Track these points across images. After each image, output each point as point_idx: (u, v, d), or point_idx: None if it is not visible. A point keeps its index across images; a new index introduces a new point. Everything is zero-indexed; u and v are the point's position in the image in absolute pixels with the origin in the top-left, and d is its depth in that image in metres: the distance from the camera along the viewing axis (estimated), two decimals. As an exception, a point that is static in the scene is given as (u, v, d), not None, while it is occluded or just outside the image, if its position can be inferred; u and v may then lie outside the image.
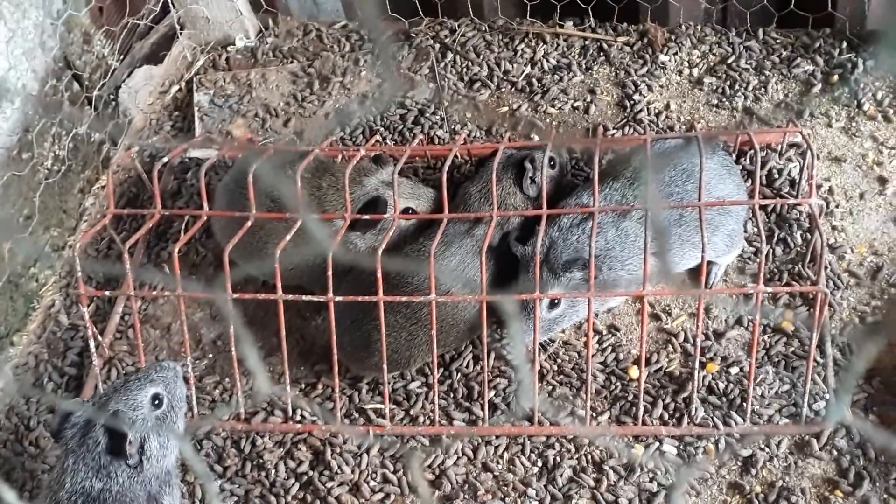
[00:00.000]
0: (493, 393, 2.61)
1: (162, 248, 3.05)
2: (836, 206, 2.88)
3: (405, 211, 2.72)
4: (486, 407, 2.55)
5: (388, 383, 2.60)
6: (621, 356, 2.67)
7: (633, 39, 3.40)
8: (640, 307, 2.66)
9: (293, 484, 2.51)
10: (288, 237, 2.45)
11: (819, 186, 2.92)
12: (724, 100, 3.18)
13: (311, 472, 2.52)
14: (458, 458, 2.52)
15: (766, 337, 2.64)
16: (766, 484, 2.40)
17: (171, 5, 3.62)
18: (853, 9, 3.20)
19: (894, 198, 2.89)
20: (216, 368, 2.78)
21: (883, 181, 2.92)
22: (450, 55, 3.45)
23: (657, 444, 2.49)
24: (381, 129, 3.26)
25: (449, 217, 2.59)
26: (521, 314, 2.51)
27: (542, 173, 2.66)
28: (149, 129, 3.45)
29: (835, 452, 2.43)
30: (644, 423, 2.51)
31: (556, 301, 2.51)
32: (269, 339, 2.79)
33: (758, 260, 2.74)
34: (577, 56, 3.39)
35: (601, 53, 3.38)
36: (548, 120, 3.23)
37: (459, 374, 2.67)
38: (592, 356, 2.61)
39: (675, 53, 3.33)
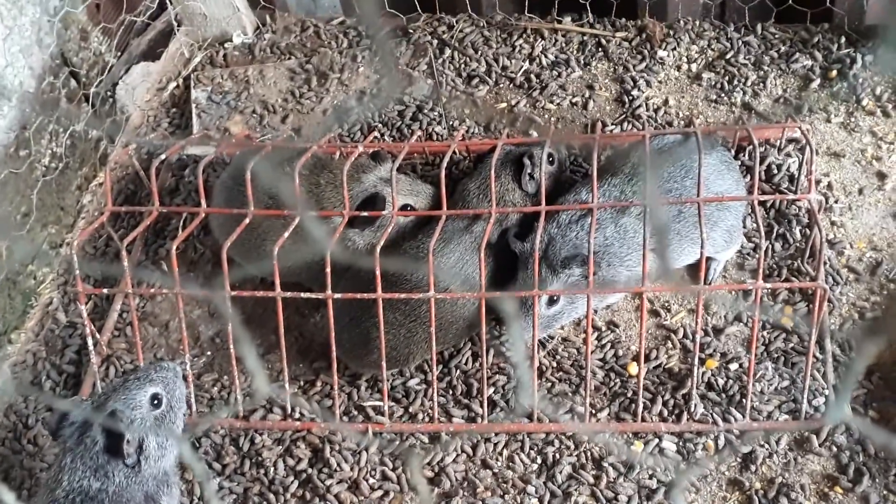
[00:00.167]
0: (492, 390, 2.61)
1: (160, 245, 3.05)
2: (836, 202, 2.87)
3: (403, 208, 2.71)
4: (486, 404, 2.54)
5: (387, 380, 2.60)
6: (620, 353, 2.67)
7: (632, 35, 3.39)
8: (639, 303, 2.66)
9: (292, 482, 2.51)
10: (286, 234, 2.44)
11: (818, 182, 2.91)
12: (723, 95, 3.17)
13: (310, 470, 2.52)
14: (458, 455, 2.51)
15: (765, 333, 2.64)
16: (765, 480, 2.40)
17: (168, 2, 3.61)
18: (851, 4, 3.20)
19: (893, 193, 2.88)
20: (215, 366, 2.78)
21: (882, 176, 2.92)
22: (448, 51, 3.44)
23: (657, 440, 2.49)
24: (380, 125, 3.25)
25: (447, 214, 2.59)
26: (520, 311, 2.51)
27: (541, 170, 2.65)
28: (146, 126, 3.45)
29: (834, 448, 2.42)
30: (643, 420, 2.51)
31: (555, 298, 2.51)
32: (268, 336, 2.79)
33: (757, 256, 2.74)
34: (575, 52, 3.38)
35: (599, 49, 3.37)
36: (546, 116, 3.23)
37: (458, 372, 2.67)
38: (591, 353, 2.61)
39: (674, 49, 3.32)
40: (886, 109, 3.04)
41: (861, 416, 2.45)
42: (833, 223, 2.84)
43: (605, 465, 2.45)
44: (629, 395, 2.57)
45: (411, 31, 3.53)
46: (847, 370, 2.51)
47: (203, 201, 2.63)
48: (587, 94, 3.25)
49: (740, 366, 2.59)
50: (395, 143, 3.11)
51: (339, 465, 2.52)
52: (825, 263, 2.70)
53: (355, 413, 2.63)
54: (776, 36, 3.30)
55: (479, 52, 3.43)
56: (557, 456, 2.48)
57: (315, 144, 2.79)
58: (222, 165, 3.12)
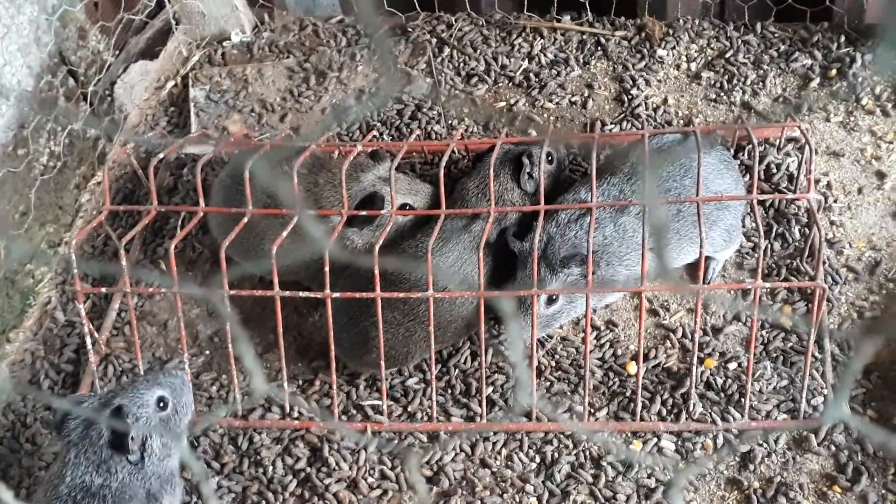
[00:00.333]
0: (490, 389, 2.61)
1: (158, 244, 3.05)
2: (835, 201, 2.87)
3: (402, 207, 2.71)
4: (484, 403, 2.54)
5: (386, 380, 2.60)
6: (619, 352, 2.67)
7: (631, 34, 3.38)
8: (638, 303, 2.66)
9: (291, 480, 2.51)
10: (284, 233, 2.44)
11: (817, 181, 2.91)
12: (722, 94, 3.17)
13: (308, 469, 2.52)
14: (456, 454, 2.51)
15: (764, 332, 2.64)
16: (764, 479, 2.40)
17: (166, 1, 3.61)
18: (851, 3, 3.20)
19: (893, 192, 2.88)
20: (213, 365, 2.78)
21: (881, 176, 2.92)
22: (447, 50, 3.44)
23: (655, 439, 2.49)
24: (378, 124, 3.25)
25: (446, 213, 2.58)
26: (519, 310, 2.51)
27: (540, 169, 2.65)
28: (144, 125, 3.44)
29: (833, 448, 2.43)
30: (642, 419, 2.51)
31: (554, 297, 2.51)
32: (267, 335, 2.78)
33: (756, 255, 2.74)
34: (574, 50, 3.38)
35: (599, 48, 3.37)
36: (545, 115, 3.22)
37: (457, 371, 2.67)
38: (590, 352, 2.61)
39: (673, 48, 3.32)
40: (886, 109, 3.04)
41: (860, 416, 2.45)
42: (832, 222, 2.84)
43: (604, 464, 2.45)
44: (628, 394, 2.57)
45: (410, 29, 3.52)
46: (845, 369, 2.51)
47: (201, 200, 2.63)
48: (586, 93, 3.25)
49: (739, 365, 2.59)
50: (393, 142, 3.11)
51: (337, 464, 2.51)
52: (824, 263, 2.70)
53: (354, 412, 2.63)
54: (776, 35, 3.29)
55: (478, 51, 3.42)
56: (556, 455, 2.48)
57: (314, 143, 2.79)
58: (221, 164, 3.11)
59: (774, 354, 2.59)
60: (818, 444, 2.43)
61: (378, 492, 2.47)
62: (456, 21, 3.52)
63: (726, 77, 3.21)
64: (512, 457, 2.50)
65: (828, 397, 2.48)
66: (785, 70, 3.20)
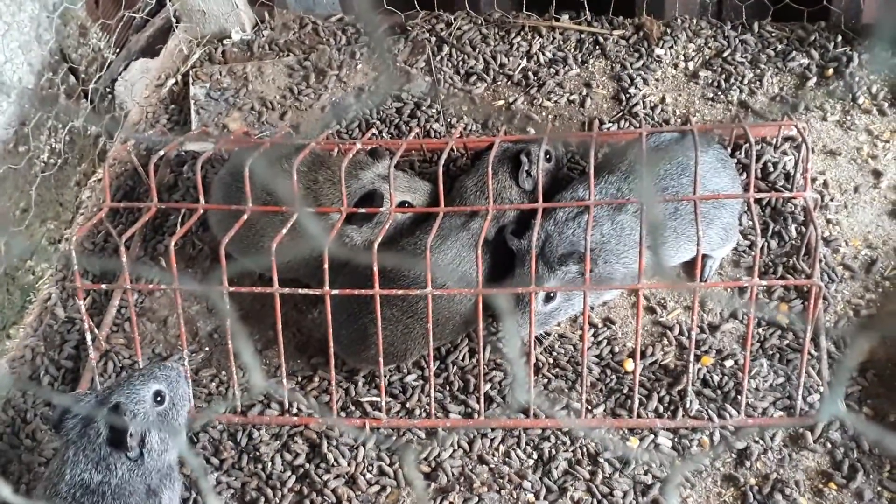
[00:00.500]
0: (488, 386, 2.62)
1: (158, 241, 3.06)
2: (831, 200, 2.89)
3: (401, 204, 2.72)
4: (482, 400, 2.56)
5: (385, 376, 2.61)
6: (616, 349, 2.68)
7: (629, 33, 3.40)
8: (635, 300, 2.67)
9: (289, 476, 2.52)
10: (284, 231, 2.45)
11: (814, 180, 2.92)
12: (720, 93, 3.18)
13: (307, 465, 2.53)
14: (454, 450, 2.53)
15: (760, 330, 2.65)
16: (760, 476, 2.41)
17: (166, -2, 3.62)
18: (848, 3, 3.21)
19: (889, 191, 2.89)
20: (213, 361, 2.79)
21: (877, 174, 2.93)
22: (446, 48, 3.45)
23: (652, 436, 2.50)
24: (378, 122, 3.26)
25: (445, 211, 2.59)
26: (516, 308, 2.52)
27: (538, 167, 2.66)
28: (145, 123, 3.45)
29: (829, 445, 2.44)
30: (639, 416, 2.52)
31: (552, 294, 2.52)
32: (266, 332, 2.80)
33: (753, 253, 2.75)
34: (572, 49, 3.39)
35: (597, 47, 3.38)
36: (544, 113, 3.24)
37: (455, 367, 2.68)
38: (588, 349, 2.62)
39: (671, 47, 3.33)
40: (882, 108, 3.05)
41: (855, 413, 2.46)
42: (829, 221, 2.85)
43: (601, 460, 2.46)
44: (625, 391, 2.58)
45: (409, 28, 3.54)
46: (840, 366, 2.52)
47: (201, 197, 2.64)
48: (584, 92, 3.26)
49: (735, 362, 2.60)
50: (392, 140, 3.11)
51: (336, 460, 2.53)
52: (820, 261, 2.72)
53: (353, 408, 2.64)
54: (773, 34, 3.30)
55: (477, 50, 3.43)
56: (553, 451, 2.49)
57: (313, 141, 2.80)
58: (221, 162, 3.12)
59: (771, 352, 2.61)
60: (814, 442, 2.44)
61: (376, 488, 2.48)
62: (455, 20, 3.54)
63: (724, 76, 3.22)
64: (510, 453, 2.51)
65: (824, 395, 2.49)
66: (782, 69, 3.21)
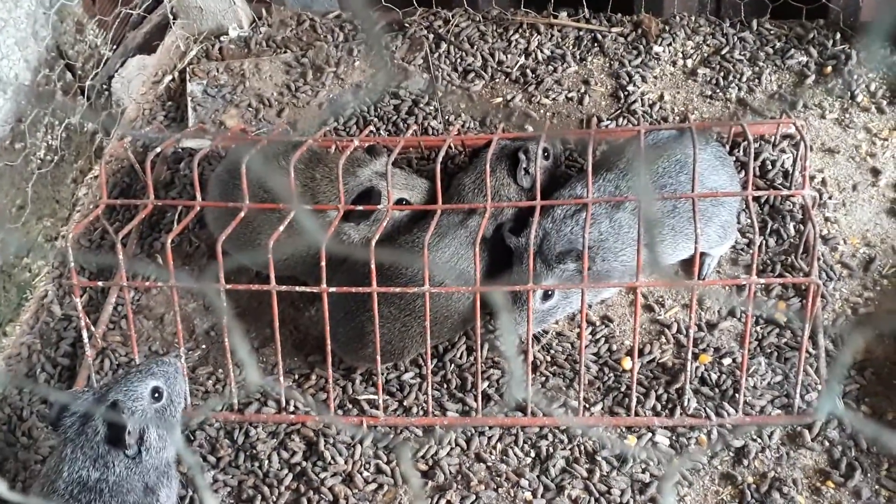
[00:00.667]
0: (486, 384, 2.62)
1: (155, 238, 3.05)
2: (829, 198, 2.88)
3: (399, 202, 2.71)
4: (480, 398, 2.55)
5: (382, 374, 2.61)
6: (614, 347, 2.68)
7: (628, 30, 3.39)
8: (633, 298, 2.67)
9: (286, 475, 2.51)
10: (281, 228, 2.44)
11: (812, 178, 2.92)
12: (718, 91, 3.18)
13: (304, 463, 2.53)
14: (452, 448, 2.52)
15: (758, 328, 2.65)
16: (758, 475, 2.41)
17: (163, -5, 3.61)
18: (847, 0, 3.20)
19: (887, 189, 2.89)
20: (209, 359, 2.78)
21: (876, 172, 2.93)
22: (444, 45, 3.44)
23: (650, 434, 2.50)
24: (375, 119, 3.25)
25: (443, 208, 2.59)
26: (513, 305, 2.52)
27: (536, 164, 2.66)
28: (142, 119, 3.44)
29: (826, 443, 2.44)
30: (637, 414, 2.52)
31: (550, 292, 2.52)
32: (263, 329, 2.79)
33: (751, 251, 2.74)
34: (571, 47, 3.38)
35: (595, 44, 3.38)
36: (542, 111, 3.23)
37: (453, 365, 2.67)
38: (585, 347, 2.62)
39: (670, 44, 3.32)
40: (881, 106, 3.05)
41: (853, 411, 2.46)
42: (827, 219, 2.85)
43: (599, 458, 2.46)
44: (623, 389, 2.58)
45: (407, 25, 3.53)
46: (837, 362, 2.52)
47: (198, 195, 2.64)
48: (583, 90, 3.25)
49: (733, 361, 2.60)
50: (390, 138, 3.11)
51: (333, 458, 2.52)
52: (819, 259, 2.71)
53: (350, 406, 2.64)
54: (771, 32, 3.30)
55: (475, 47, 3.43)
56: (551, 450, 2.49)
57: (310, 138, 2.79)
58: (217, 159, 3.12)
59: (769, 350, 2.61)
60: (812, 440, 2.44)
61: (373, 486, 2.48)
62: (453, 17, 3.53)
63: (722, 74, 3.21)
64: (507, 451, 2.51)
65: (821, 392, 2.49)
66: (780, 67, 3.20)
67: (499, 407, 2.57)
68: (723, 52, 3.27)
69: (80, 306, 2.60)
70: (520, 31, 3.45)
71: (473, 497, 2.43)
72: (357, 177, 2.71)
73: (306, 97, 3.39)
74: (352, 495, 2.46)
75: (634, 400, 2.52)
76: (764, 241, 2.81)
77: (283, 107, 3.37)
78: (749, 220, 2.78)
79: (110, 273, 2.95)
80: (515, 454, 2.50)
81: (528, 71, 3.33)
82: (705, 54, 3.29)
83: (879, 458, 2.39)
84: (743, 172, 2.83)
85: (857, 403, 2.48)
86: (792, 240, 2.80)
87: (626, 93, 3.21)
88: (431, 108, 3.26)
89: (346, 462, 2.52)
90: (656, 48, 3.32)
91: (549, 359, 2.66)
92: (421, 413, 2.59)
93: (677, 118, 3.13)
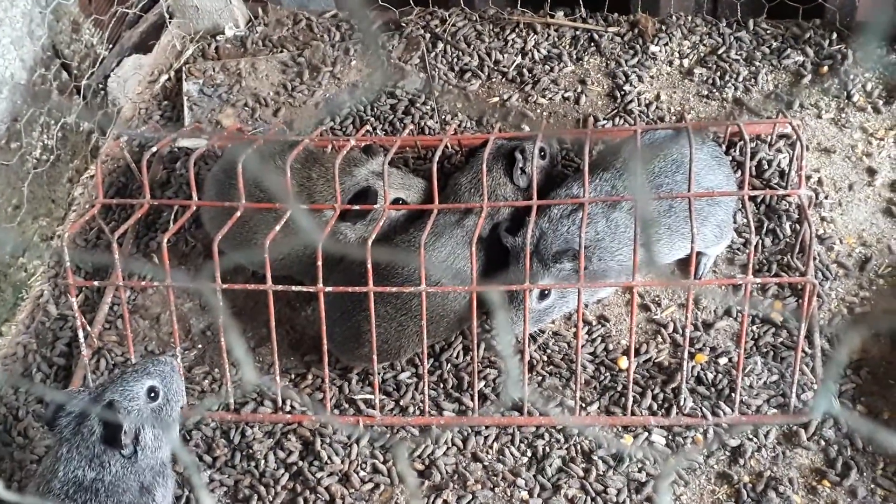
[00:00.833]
0: (482, 383, 2.62)
1: (151, 238, 3.05)
2: (826, 197, 2.89)
3: (395, 201, 2.71)
4: (476, 397, 2.55)
5: (378, 374, 2.60)
6: (611, 347, 2.68)
7: (624, 30, 3.39)
8: (629, 298, 2.67)
9: (283, 474, 2.51)
10: (277, 227, 2.44)
11: (808, 177, 2.92)
12: (715, 90, 3.18)
13: (300, 463, 2.52)
14: (448, 448, 2.52)
15: (754, 327, 2.65)
16: (754, 474, 2.41)
17: (160, -6, 3.61)
18: (843, 0, 3.21)
19: (883, 189, 2.90)
20: (205, 359, 2.78)
21: (872, 172, 2.93)
22: (440, 45, 3.44)
23: (646, 434, 2.50)
24: (372, 119, 3.25)
25: (439, 208, 2.59)
26: (509, 305, 2.52)
27: (533, 164, 2.66)
28: (138, 119, 3.44)
29: (822, 443, 2.44)
30: (633, 414, 2.52)
31: (547, 292, 2.52)
32: (259, 329, 2.79)
33: (747, 251, 2.75)
34: (567, 46, 3.39)
35: (592, 44, 3.38)
36: (538, 110, 3.23)
37: (449, 365, 2.67)
38: (582, 347, 2.62)
39: (666, 44, 3.32)
40: (877, 105, 3.05)
41: (849, 411, 2.46)
42: (823, 219, 2.85)
43: (595, 458, 2.46)
44: (619, 388, 2.58)
45: (404, 24, 3.53)
46: (832, 360, 2.52)
47: (194, 194, 2.63)
48: (579, 89, 3.25)
49: (729, 360, 2.60)
50: (387, 137, 3.11)
51: (329, 457, 2.52)
52: (815, 259, 2.72)
53: (346, 406, 2.64)
54: (768, 32, 3.30)
55: (472, 47, 3.43)
56: (547, 449, 2.49)
57: (307, 138, 2.79)
58: (214, 158, 3.11)
59: (765, 350, 2.61)
60: (808, 439, 2.44)
61: (370, 486, 2.48)
62: (449, 16, 3.53)
63: (718, 73, 3.22)
64: (503, 451, 2.51)
65: (817, 391, 2.49)
66: (777, 67, 3.21)
67: (495, 406, 2.57)
68: (719, 51, 3.27)
69: (76, 306, 2.60)
70: (516, 30, 3.45)
71: (470, 496, 2.43)
72: (353, 176, 2.71)
73: (303, 96, 3.39)
74: (348, 495, 2.46)
75: (631, 399, 2.52)
76: (760, 241, 2.81)
77: (280, 106, 3.37)
78: (745, 220, 2.79)
79: (106, 273, 2.94)
80: (512, 453, 2.50)
81: (524, 70, 3.33)
82: (702, 54, 3.29)
83: (875, 458, 2.40)
84: (739, 172, 2.83)
85: (853, 403, 2.49)
86: (788, 239, 2.81)
87: (622, 92, 3.21)
88: (428, 107, 3.26)
89: (342, 462, 2.52)
90: (653, 48, 3.32)
91: (545, 358, 2.66)
92: (417, 412, 2.59)
93: (674, 118, 3.14)
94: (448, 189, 2.78)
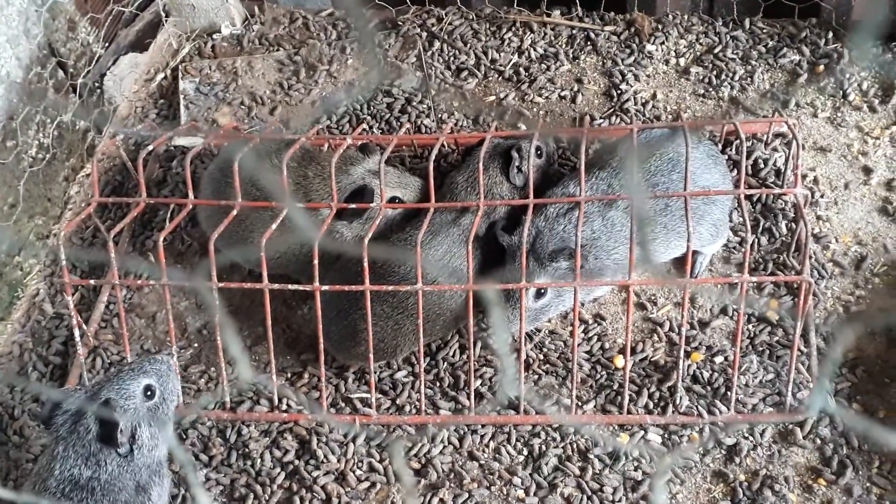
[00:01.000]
0: (479, 382, 2.62)
1: (147, 236, 3.04)
2: (821, 196, 2.89)
3: (392, 200, 2.71)
4: (472, 396, 2.55)
5: (375, 373, 2.60)
6: (607, 345, 2.68)
7: (621, 29, 3.39)
8: (625, 297, 2.67)
9: (279, 473, 2.51)
10: (274, 226, 2.44)
11: (804, 176, 2.93)
12: (711, 89, 3.18)
13: (296, 462, 2.52)
14: (444, 446, 2.52)
15: (750, 326, 2.66)
16: (749, 472, 2.42)
17: (156, -8, 3.60)
18: (839, -1, 3.22)
19: (879, 188, 2.90)
20: (202, 358, 2.78)
21: (868, 171, 2.94)
22: (437, 44, 3.44)
23: (642, 432, 2.50)
24: (368, 117, 3.25)
25: (435, 206, 2.59)
26: (505, 303, 2.52)
27: (529, 163, 2.66)
28: (134, 117, 3.44)
29: (818, 441, 2.44)
30: (629, 412, 2.52)
31: (543, 290, 2.52)
32: (255, 328, 2.79)
33: (743, 249, 2.75)
34: (564, 45, 3.39)
35: (588, 42, 3.38)
36: (535, 109, 3.23)
37: (446, 364, 2.67)
38: (578, 345, 2.62)
39: (662, 43, 3.33)
40: (873, 104, 3.06)
41: (845, 409, 2.47)
42: (819, 217, 2.85)
43: (591, 456, 2.46)
44: (615, 387, 2.58)
45: (400, 23, 3.53)
46: (827, 357, 2.53)
47: (191, 193, 2.63)
48: (576, 88, 3.26)
49: (725, 359, 2.60)
50: (383, 136, 3.11)
51: (326, 456, 2.52)
52: (810, 257, 2.72)
53: (342, 405, 2.64)
54: (764, 31, 3.31)
55: (469, 45, 3.43)
56: (544, 448, 2.49)
57: (303, 136, 2.79)
58: (210, 157, 3.11)
59: (761, 348, 2.61)
60: (804, 438, 2.44)
61: (366, 484, 2.48)
62: (446, 15, 3.53)
63: (715, 72, 3.22)
64: (500, 449, 2.51)
65: (812, 389, 2.49)
66: (773, 66, 3.21)
67: (491, 405, 2.57)
68: (715, 50, 3.27)
69: (71, 304, 2.60)
70: (513, 29, 3.45)
71: (466, 495, 2.43)
72: (350, 175, 2.71)
73: (299, 95, 3.38)
74: (344, 494, 2.46)
75: (627, 398, 2.52)
76: (756, 240, 2.81)
77: (276, 105, 3.37)
78: (741, 219, 2.79)
79: (102, 271, 2.94)
80: (508, 452, 2.50)
81: (521, 69, 3.33)
82: (698, 53, 3.29)
83: (870, 456, 2.40)
84: (735, 171, 2.83)
85: (849, 401, 2.49)
86: (784, 238, 2.81)
87: (618, 91, 3.21)
88: (424, 106, 3.26)
89: (338, 460, 2.52)
90: (649, 47, 3.32)
91: (541, 357, 2.67)
92: (414, 411, 2.59)
93: (670, 117, 3.14)
94: (444, 188, 2.78)
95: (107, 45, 3.45)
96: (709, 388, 2.55)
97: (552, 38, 3.41)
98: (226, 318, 2.78)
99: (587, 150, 2.64)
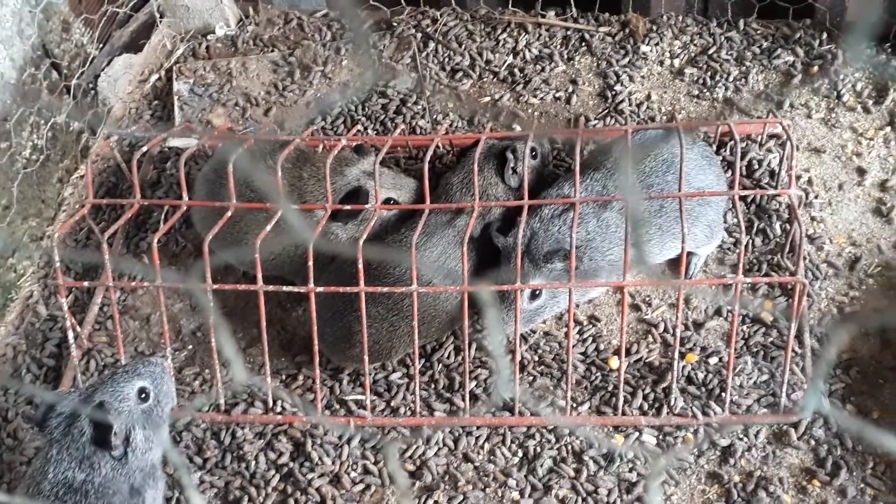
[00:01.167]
0: (474, 384, 2.62)
1: (141, 238, 3.04)
2: (816, 197, 2.89)
3: (386, 201, 2.71)
4: (467, 397, 2.55)
5: (369, 374, 2.60)
6: (602, 347, 2.68)
7: (615, 30, 3.40)
8: (620, 298, 2.67)
9: (273, 475, 2.51)
10: (268, 227, 2.44)
11: (798, 177, 2.93)
12: (705, 90, 3.18)
13: (291, 464, 2.52)
14: (439, 448, 2.52)
15: (745, 327, 2.66)
16: (744, 473, 2.42)
17: (150, -7, 3.60)
18: (833, 0, 3.22)
19: (873, 188, 2.90)
20: (196, 360, 2.77)
21: (862, 172, 2.94)
22: (432, 44, 3.44)
23: (637, 433, 2.50)
24: (363, 118, 3.25)
25: (430, 208, 2.59)
26: (500, 305, 2.52)
27: (524, 164, 2.66)
28: (128, 118, 3.43)
29: (812, 442, 2.45)
30: (624, 413, 2.52)
31: (538, 292, 2.52)
32: (250, 330, 2.78)
33: (737, 250, 2.75)
34: (559, 46, 3.39)
35: (583, 43, 3.38)
36: (529, 110, 3.23)
37: (440, 365, 2.67)
38: (573, 347, 2.62)
39: (657, 44, 3.33)
40: (867, 105, 3.06)
41: (839, 410, 2.47)
42: (813, 218, 2.86)
43: (586, 458, 2.46)
44: (610, 388, 2.58)
45: (395, 24, 3.52)
46: (821, 361, 2.53)
47: (185, 194, 2.62)
48: (570, 89, 3.26)
49: (720, 360, 2.60)
50: (378, 137, 3.10)
51: (320, 458, 2.52)
52: (805, 258, 2.72)
53: (337, 407, 2.63)
54: (758, 31, 3.31)
55: (463, 46, 3.43)
56: (538, 449, 2.49)
57: (298, 137, 2.79)
58: (204, 158, 3.11)
59: (755, 349, 2.61)
60: (798, 439, 2.45)
61: (361, 487, 2.47)
62: (441, 16, 3.53)
63: (709, 73, 3.22)
64: (495, 451, 2.51)
65: (807, 389, 2.50)
66: (767, 67, 3.21)
67: (486, 407, 2.57)
68: (710, 51, 3.28)
69: (65, 306, 2.59)
70: (508, 30, 3.45)
71: (461, 497, 2.43)
72: (345, 176, 2.70)
73: (293, 96, 3.38)
74: (339, 496, 2.46)
75: (621, 399, 2.52)
76: (750, 241, 2.81)
77: (271, 106, 3.36)
78: (735, 220, 2.79)
79: (96, 273, 2.93)
80: (503, 454, 2.50)
81: (515, 70, 3.33)
82: (692, 54, 3.30)
83: (865, 457, 2.40)
84: (729, 172, 2.83)
85: (843, 402, 2.49)
86: (778, 239, 2.81)
87: (613, 92, 3.21)
88: (419, 107, 3.26)
89: (333, 463, 2.51)
90: (644, 48, 3.32)
91: (536, 358, 2.66)
92: (408, 413, 2.59)
93: (664, 118, 3.14)
94: (439, 189, 2.78)
95: (101, 46, 3.45)
96: (703, 389, 2.55)
97: (547, 39, 3.41)
98: (220, 319, 2.77)
99: (582, 151, 2.64)
